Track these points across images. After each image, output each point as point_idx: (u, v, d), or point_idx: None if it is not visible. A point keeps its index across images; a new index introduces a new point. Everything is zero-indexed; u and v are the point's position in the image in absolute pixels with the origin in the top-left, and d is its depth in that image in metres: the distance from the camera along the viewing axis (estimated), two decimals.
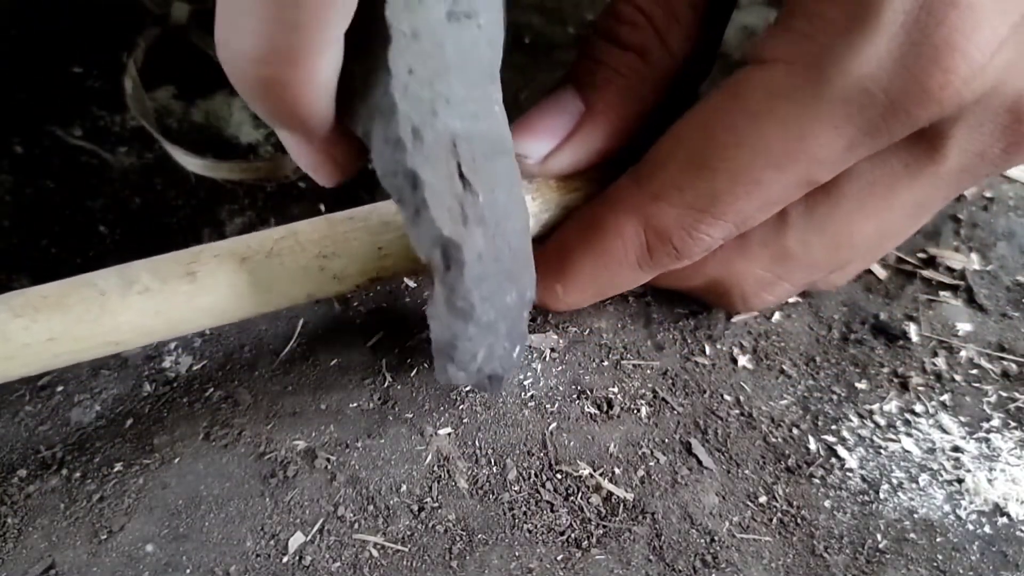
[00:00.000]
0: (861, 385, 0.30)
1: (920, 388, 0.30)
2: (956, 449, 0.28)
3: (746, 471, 0.27)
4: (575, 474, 0.27)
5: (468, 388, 0.29)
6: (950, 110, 0.22)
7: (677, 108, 0.26)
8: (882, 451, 0.28)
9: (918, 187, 0.25)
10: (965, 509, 0.27)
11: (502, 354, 0.25)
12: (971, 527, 0.26)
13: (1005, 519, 0.26)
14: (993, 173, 0.26)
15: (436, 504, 0.26)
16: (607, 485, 0.27)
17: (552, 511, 0.26)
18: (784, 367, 0.31)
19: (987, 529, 0.26)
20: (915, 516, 0.26)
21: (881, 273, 0.34)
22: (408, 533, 0.26)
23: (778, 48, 0.23)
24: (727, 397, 0.30)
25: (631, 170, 0.27)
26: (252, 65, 0.19)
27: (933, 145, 0.24)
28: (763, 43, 0.23)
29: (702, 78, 0.29)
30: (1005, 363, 0.31)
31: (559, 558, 0.25)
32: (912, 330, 0.32)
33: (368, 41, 0.21)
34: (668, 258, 0.27)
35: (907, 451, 0.28)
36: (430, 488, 0.27)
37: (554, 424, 0.29)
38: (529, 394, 0.29)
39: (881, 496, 0.27)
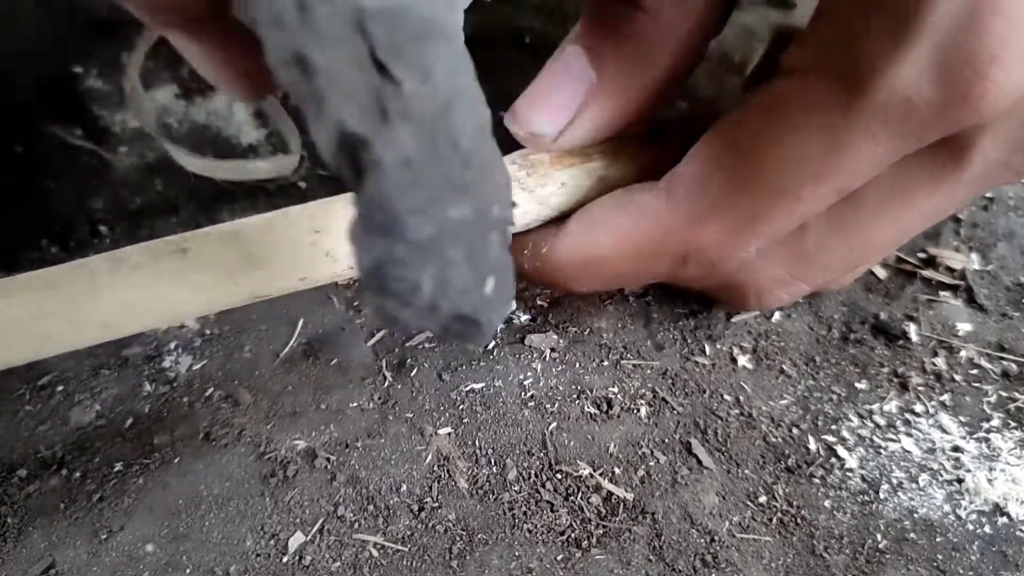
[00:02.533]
0: (861, 385, 0.30)
1: (920, 388, 0.30)
2: (956, 449, 0.28)
3: (746, 471, 0.27)
4: (575, 474, 0.27)
5: (465, 386, 0.29)
6: (986, 118, 0.22)
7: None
8: (882, 451, 0.28)
9: (939, 193, 0.25)
10: (965, 509, 0.27)
11: (464, 286, 0.20)
12: (971, 527, 0.26)
13: (1005, 519, 0.26)
14: (1013, 181, 0.25)
15: (436, 504, 0.26)
16: (607, 485, 0.27)
17: (552, 511, 0.26)
18: (784, 367, 0.31)
19: (987, 529, 0.26)
20: (915, 516, 0.26)
21: (881, 273, 0.34)
22: (408, 533, 0.26)
23: (813, 57, 0.22)
24: (727, 397, 0.30)
25: (666, 185, 0.26)
26: None
27: (958, 152, 0.24)
28: (796, 51, 0.23)
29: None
30: (1005, 363, 0.31)
31: (559, 558, 0.25)
32: (912, 330, 0.32)
33: None
34: (700, 273, 0.27)
35: (907, 451, 0.28)
36: (430, 488, 0.27)
37: (554, 424, 0.29)
38: (529, 394, 0.29)
39: (881, 496, 0.27)
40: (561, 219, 0.28)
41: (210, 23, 0.20)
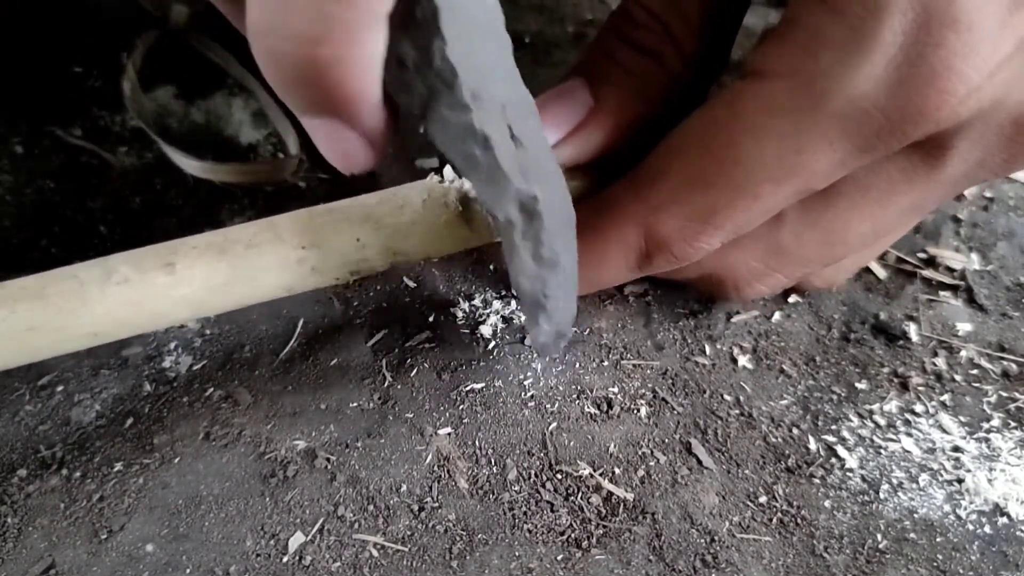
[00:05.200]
0: (861, 385, 0.30)
1: (920, 388, 0.30)
2: (956, 449, 0.28)
3: (746, 471, 0.27)
4: (575, 474, 0.27)
5: (465, 386, 0.29)
6: (945, 127, 0.22)
7: (684, 111, 0.26)
8: (882, 451, 0.28)
9: (915, 192, 0.25)
10: (965, 509, 0.27)
11: (573, 310, 0.26)
12: (971, 527, 0.26)
13: (1005, 519, 0.26)
14: (992, 179, 0.26)
15: (436, 504, 0.26)
16: (607, 485, 0.27)
17: (552, 511, 0.26)
18: (784, 367, 0.31)
19: (987, 529, 0.26)
20: (915, 516, 0.26)
21: (881, 273, 0.34)
22: (408, 533, 0.26)
23: (776, 62, 0.23)
24: (727, 397, 0.30)
25: (630, 178, 0.27)
26: (302, 46, 0.18)
27: (933, 154, 0.24)
28: (761, 55, 0.23)
29: (711, 82, 0.29)
30: (1005, 363, 0.31)
31: (559, 558, 0.25)
32: (912, 330, 0.32)
33: (409, 17, 0.21)
34: (667, 263, 0.27)
35: (907, 451, 0.28)
36: (430, 488, 0.27)
37: (554, 424, 0.29)
38: (529, 394, 0.29)
39: (881, 496, 0.27)
40: None
41: (376, 110, 0.21)
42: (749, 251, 0.28)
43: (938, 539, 0.26)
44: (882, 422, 0.29)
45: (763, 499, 0.27)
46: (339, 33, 0.18)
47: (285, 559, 0.25)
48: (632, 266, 0.27)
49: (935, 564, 0.25)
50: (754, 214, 0.25)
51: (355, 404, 0.29)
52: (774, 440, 0.28)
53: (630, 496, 0.26)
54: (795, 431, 0.29)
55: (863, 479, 0.27)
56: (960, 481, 0.27)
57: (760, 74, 0.23)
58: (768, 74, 0.23)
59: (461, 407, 0.29)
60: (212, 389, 0.29)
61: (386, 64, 0.21)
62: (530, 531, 0.26)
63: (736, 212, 0.25)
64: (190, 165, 0.36)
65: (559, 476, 0.27)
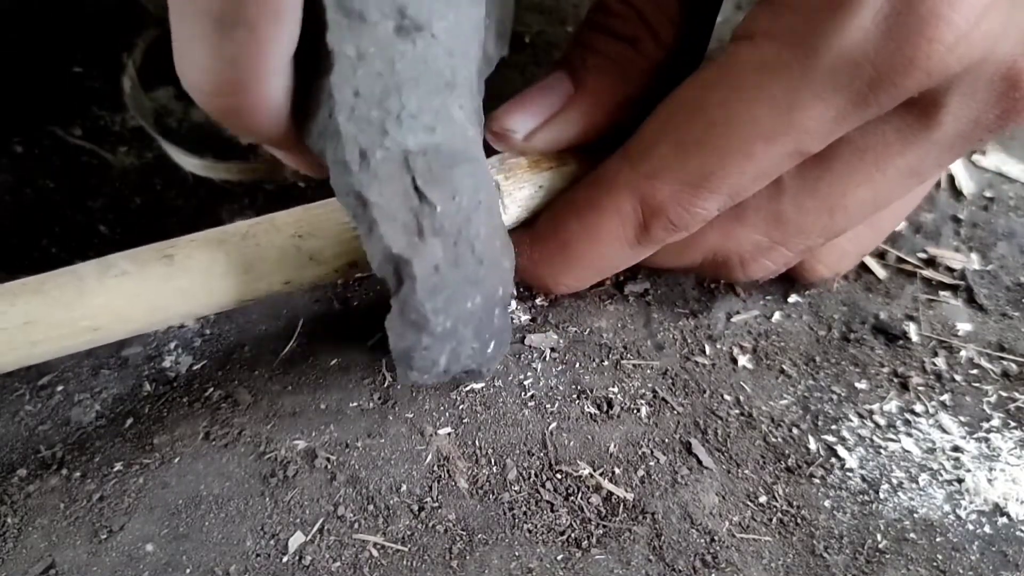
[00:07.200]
0: (861, 385, 0.30)
1: (920, 388, 0.30)
2: (956, 449, 0.28)
3: (746, 471, 0.27)
4: (575, 474, 0.27)
5: (465, 386, 0.29)
6: (937, 78, 0.22)
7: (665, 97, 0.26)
8: (882, 451, 0.28)
9: (911, 153, 0.25)
10: (965, 509, 0.27)
11: (471, 353, 0.25)
12: (971, 527, 0.26)
13: (1005, 519, 0.26)
14: (988, 139, 0.26)
15: (436, 504, 0.26)
16: (607, 485, 0.27)
17: (552, 511, 0.26)
18: (784, 367, 0.31)
19: (987, 529, 0.26)
20: (915, 516, 0.26)
21: (881, 273, 0.34)
22: (408, 533, 0.26)
23: (765, 22, 0.23)
24: (727, 397, 0.30)
25: (622, 150, 0.27)
26: (206, 97, 0.21)
27: (927, 113, 0.24)
28: (750, 18, 0.24)
29: (690, 69, 0.29)
30: (1005, 363, 0.31)
31: (559, 558, 0.25)
32: (912, 330, 0.32)
33: (316, 63, 0.21)
34: (665, 233, 0.27)
35: (907, 451, 0.28)
36: (430, 488, 0.27)
37: (554, 424, 0.29)
38: (529, 394, 0.29)
39: (881, 496, 0.27)
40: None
41: (292, 146, 0.25)
42: (751, 224, 0.28)
43: (938, 539, 0.26)
44: (882, 422, 0.29)
45: (763, 499, 0.27)
46: (230, 87, 0.21)
47: (285, 559, 0.25)
48: (631, 239, 0.27)
49: (935, 564, 0.25)
50: (749, 176, 0.25)
51: (355, 404, 0.29)
52: (774, 440, 0.28)
53: (630, 496, 0.26)
54: (795, 431, 0.29)
55: (863, 479, 0.27)
56: (960, 481, 0.27)
57: (750, 36, 0.23)
58: (757, 35, 0.23)
59: (461, 407, 0.29)
60: (212, 389, 0.29)
61: (298, 101, 0.22)
62: (530, 531, 0.26)
63: (730, 174, 0.25)
64: (190, 163, 0.36)
65: (559, 476, 0.27)
